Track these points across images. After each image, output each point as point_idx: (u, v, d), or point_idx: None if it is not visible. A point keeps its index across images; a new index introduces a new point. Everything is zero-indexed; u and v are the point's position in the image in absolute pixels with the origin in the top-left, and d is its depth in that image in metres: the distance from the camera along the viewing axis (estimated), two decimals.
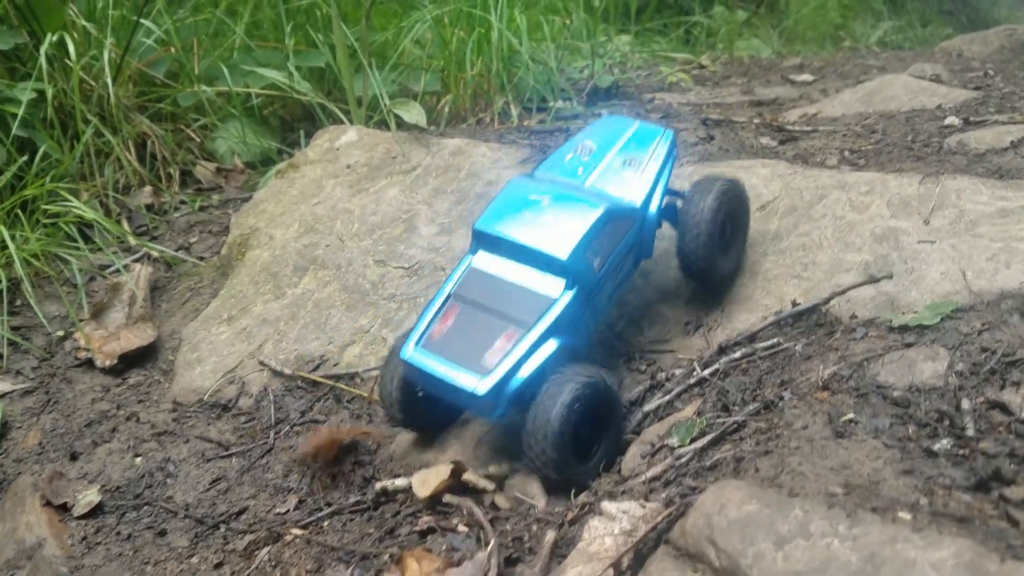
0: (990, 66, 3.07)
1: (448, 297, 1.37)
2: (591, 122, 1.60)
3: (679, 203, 1.46)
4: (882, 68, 3.46)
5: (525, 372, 1.26)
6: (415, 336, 1.34)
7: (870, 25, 4.96)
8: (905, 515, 0.86)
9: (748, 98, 2.86)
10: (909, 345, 1.23)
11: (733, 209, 1.47)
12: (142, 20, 2.60)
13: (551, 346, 1.28)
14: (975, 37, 4.12)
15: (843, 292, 1.36)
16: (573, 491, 1.26)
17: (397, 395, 1.40)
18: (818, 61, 3.82)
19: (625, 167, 1.44)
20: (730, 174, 1.54)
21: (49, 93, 2.35)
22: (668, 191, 1.47)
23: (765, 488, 0.92)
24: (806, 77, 3.25)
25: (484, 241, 1.39)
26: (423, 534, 1.25)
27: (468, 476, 1.32)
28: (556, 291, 1.30)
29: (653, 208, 1.42)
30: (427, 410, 1.44)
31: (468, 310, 1.34)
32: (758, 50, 4.14)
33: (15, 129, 2.23)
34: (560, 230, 1.31)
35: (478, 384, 1.25)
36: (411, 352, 1.33)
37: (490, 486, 1.32)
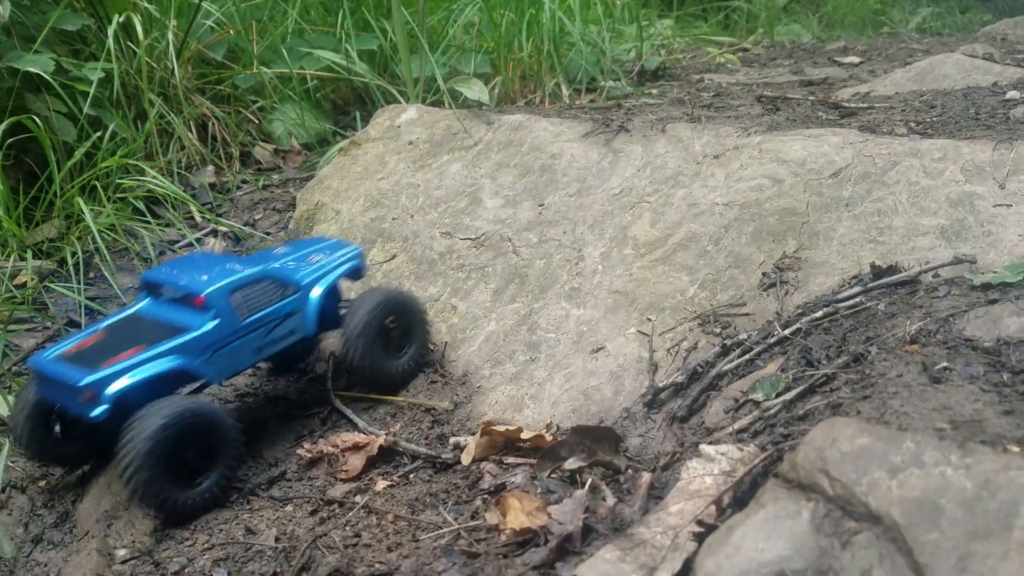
0: None
1: (97, 328, 1.46)
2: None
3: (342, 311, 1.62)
4: (926, 51, 3.45)
5: (131, 376, 1.31)
6: (51, 352, 1.39)
7: (909, 11, 4.94)
8: (1015, 448, 0.88)
9: (798, 78, 2.87)
10: (993, 302, 1.25)
11: (399, 314, 1.62)
12: (201, 2, 2.66)
13: (167, 363, 1.35)
14: (1019, 21, 4.09)
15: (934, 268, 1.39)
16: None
17: (27, 425, 1.42)
18: (861, 45, 3.82)
19: (311, 258, 1.63)
20: (770, 146, 1.55)
21: (116, 73, 2.41)
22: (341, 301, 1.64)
23: (873, 424, 0.94)
24: (852, 59, 3.25)
25: (151, 288, 1.52)
26: (505, 486, 1.29)
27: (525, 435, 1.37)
28: (192, 324, 1.41)
29: (316, 293, 1.57)
30: (65, 441, 1.46)
31: (112, 337, 1.42)
32: (798, 35, 4.14)
33: (86, 108, 2.30)
34: (212, 276, 1.45)
35: (81, 377, 1.29)
36: (39, 360, 1.38)
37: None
